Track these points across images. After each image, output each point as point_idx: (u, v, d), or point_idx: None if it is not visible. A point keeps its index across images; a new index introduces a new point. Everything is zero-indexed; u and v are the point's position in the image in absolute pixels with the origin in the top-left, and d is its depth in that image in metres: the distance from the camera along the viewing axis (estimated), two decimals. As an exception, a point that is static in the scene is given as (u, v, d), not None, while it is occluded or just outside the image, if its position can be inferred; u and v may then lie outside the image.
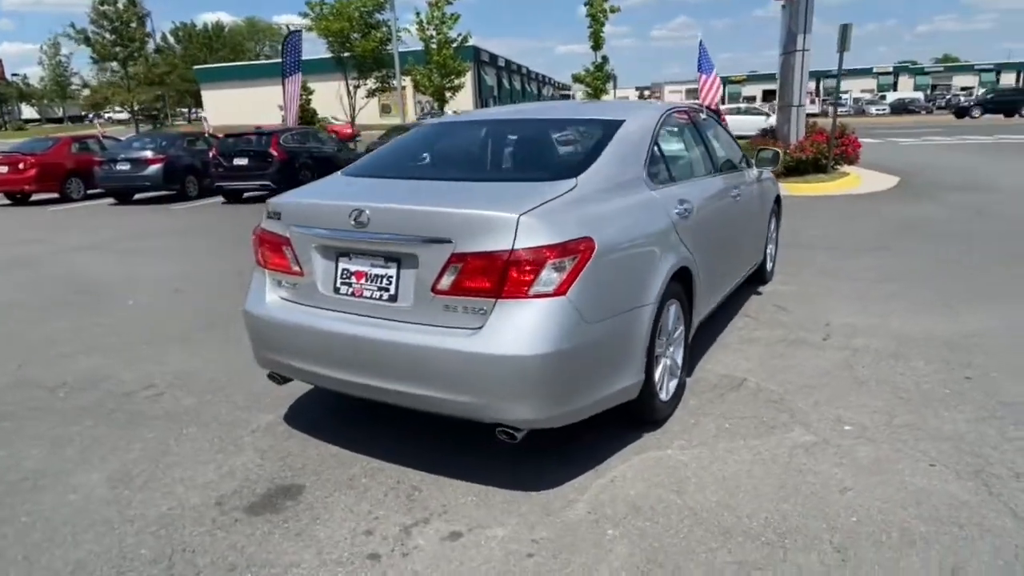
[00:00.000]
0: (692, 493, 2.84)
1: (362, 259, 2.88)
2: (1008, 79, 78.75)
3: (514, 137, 3.81)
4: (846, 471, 2.98)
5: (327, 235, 2.91)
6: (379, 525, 2.69)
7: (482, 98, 50.22)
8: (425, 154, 3.81)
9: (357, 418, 3.64)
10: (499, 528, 2.65)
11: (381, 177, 3.48)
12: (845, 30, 11.71)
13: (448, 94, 24.15)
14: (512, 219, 2.56)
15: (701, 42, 15.36)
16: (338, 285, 2.95)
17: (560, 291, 2.56)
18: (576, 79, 29.85)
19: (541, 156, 3.56)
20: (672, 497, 2.81)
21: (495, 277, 2.56)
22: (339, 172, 3.67)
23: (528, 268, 2.53)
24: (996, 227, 8.56)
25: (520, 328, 2.54)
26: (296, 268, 3.05)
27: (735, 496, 2.81)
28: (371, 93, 25.70)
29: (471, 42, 23.62)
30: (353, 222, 2.79)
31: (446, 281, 2.64)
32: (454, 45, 23.00)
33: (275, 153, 13.71)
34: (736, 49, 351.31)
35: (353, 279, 2.91)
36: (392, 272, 2.80)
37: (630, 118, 3.57)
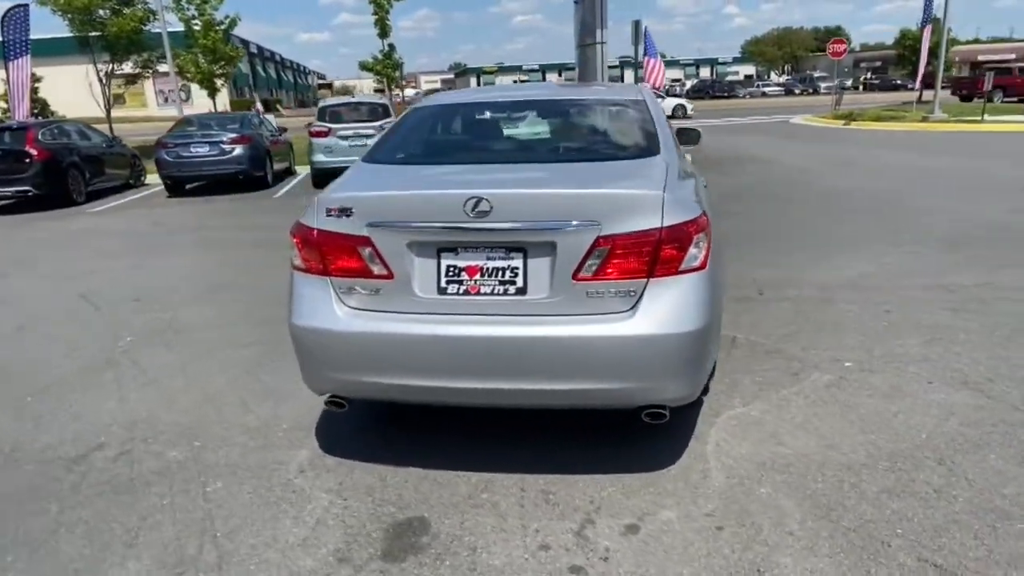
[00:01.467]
0: (792, 443, 3.06)
1: (474, 253, 2.58)
2: (704, 72, 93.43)
3: (555, 119, 3.65)
4: (879, 399, 3.43)
5: (429, 229, 2.56)
6: (548, 537, 2.49)
7: (237, 87, 45.95)
8: (464, 137, 3.48)
9: (398, 431, 3.26)
10: (666, 511, 2.61)
11: (442, 163, 3.17)
12: (637, 25, 12.96)
13: (219, 82, 21.57)
14: (659, 196, 2.50)
15: (646, 28, 15.36)
16: (443, 285, 2.61)
17: (702, 265, 2.57)
18: (364, 67, 28.76)
19: (601, 135, 3.45)
20: (780, 449, 3.01)
21: (646, 257, 2.48)
22: (362, 161, 3.21)
23: (677, 245, 2.50)
24: (803, 193, 10.23)
25: (675, 306, 2.51)
26: (380, 271, 2.63)
27: (825, 437, 3.09)
28: (129, 80, 21.93)
29: (240, 26, 21.43)
30: (471, 212, 2.49)
31: (591, 266, 2.50)
32: (221, 27, 20.58)
33: (33, 151, 11.23)
34: (479, 42, 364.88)
35: (464, 276, 2.60)
36: (517, 264, 2.56)
37: (644, 96, 3.65)
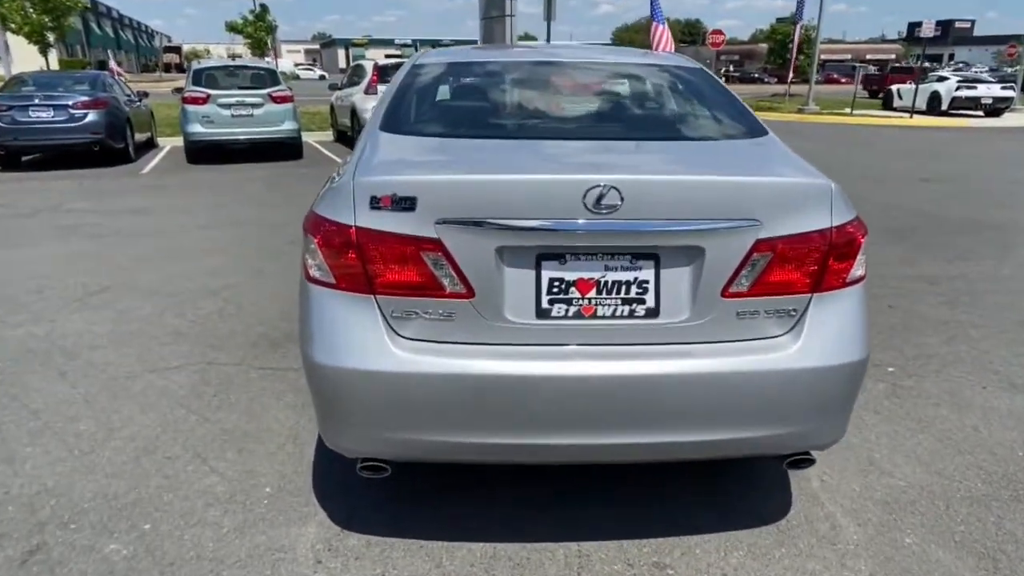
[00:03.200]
0: (897, 471, 2.66)
1: (588, 261, 1.89)
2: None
3: (613, 88, 2.93)
4: (948, 410, 3.15)
5: (530, 231, 1.84)
6: (698, 636, 1.89)
7: (68, 46, 39.99)
8: (518, 105, 2.69)
9: (430, 485, 2.51)
10: (814, 562, 2.10)
11: (516, 137, 2.42)
12: (550, 1, 12.43)
13: (51, 37, 18.26)
14: (827, 188, 1.94)
15: None
16: (545, 305, 1.90)
17: (863, 276, 2.06)
18: (233, 28, 25.75)
19: (691, 109, 2.77)
20: (892, 481, 2.60)
21: (813, 266, 1.92)
22: (383, 131, 2.36)
23: (847, 250, 1.96)
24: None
25: (842, 327, 1.98)
26: (454, 287, 1.87)
27: (926, 462, 2.73)
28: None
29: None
30: (592, 206, 1.80)
31: (746, 278, 1.90)
32: (55, -29, 17.44)
33: None
34: (344, 12, 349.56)
35: (574, 292, 1.90)
36: (647, 275, 1.91)
37: (701, 64, 3.08)
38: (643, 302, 1.92)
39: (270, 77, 11.89)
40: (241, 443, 2.84)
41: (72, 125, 10.59)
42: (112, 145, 10.94)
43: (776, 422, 1.96)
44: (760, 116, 2.58)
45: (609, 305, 1.91)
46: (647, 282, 1.91)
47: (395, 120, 2.45)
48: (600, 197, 1.80)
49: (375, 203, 1.87)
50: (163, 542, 2.26)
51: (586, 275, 1.90)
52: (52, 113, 10.56)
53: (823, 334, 1.95)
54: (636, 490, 2.51)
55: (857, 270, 2.01)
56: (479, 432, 1.93)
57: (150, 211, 7.58)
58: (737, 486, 2.54)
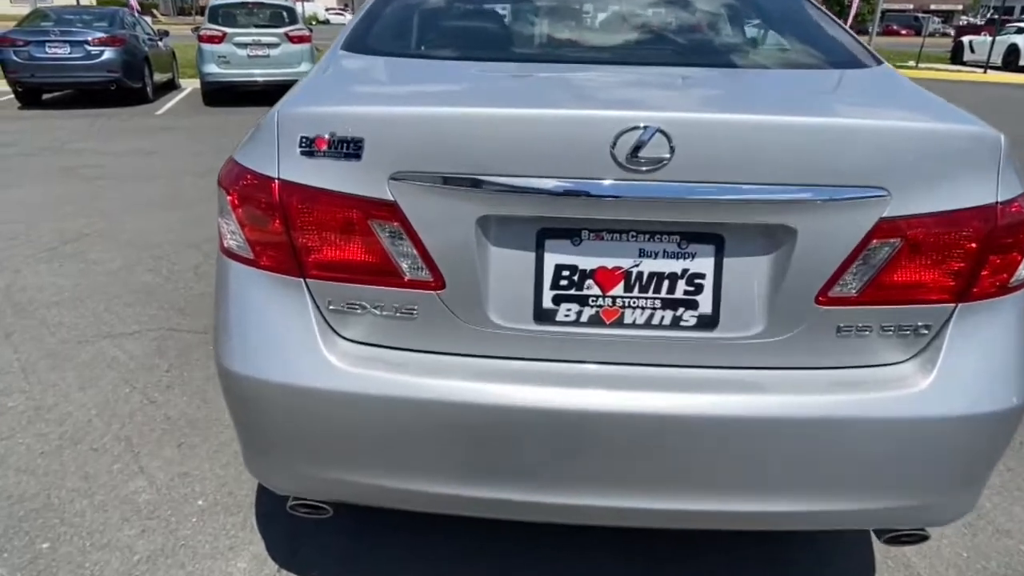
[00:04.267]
0: (1013, 527, 2.04)
1: (615, 243, 1.28)
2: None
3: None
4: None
5: (530, 193, 1.23)
6: None
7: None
8: (526, 17, 2.05)
9: (406, 527, 1.97)
10: None
11: (519, 59, 1.77)
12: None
13: None
14: (996, 142, 1.28)
15: None
16: (548, 304, 1.31)
17: None
18: None
19: (762, 25, 2.09)
20: (1009, 543, 1.98)
21: (963, 261, 1.28)
22: (345, 50, 1.75)
23: (1016, 239, 1.31)
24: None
25: (999, 354, 1.34)
26: (415, 272, 1.29)
27: (1046, 514, 2.10)
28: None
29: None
30: (626, 159, 1.18)
31: (856, 277, 1.27)
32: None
33: None
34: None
35: (593, 286, 1.30)
36: (703, 266, 1.29)
37: None
38: (694, 306, 1.30)
39: (288, 15, 11.20)
40: (183, 435, 2.34)
41: (88, 62, 10.13)
42: (129, 84, 10.46)
43: (885, 491, 1.34)
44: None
45: (643, 308, 1.31)
46: (702, 276, 1.30)
47: (362, 37, 1.82)
48: (639, 146, 1.18)
49: (306, 146, 1.28)
50: (58, 570, 1.78)
51: (611, 262, 1.30)
52: (69, 49, 10.11)
53: (968, 364, 1.31)
54: (668, 544, 1.94)
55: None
56: (448, 481, 1.36)
57: (155, 153, 7.10)
58: (803, 554, 1.95)
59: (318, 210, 1.29)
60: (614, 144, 1.19)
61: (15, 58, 9.99)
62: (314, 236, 1.31)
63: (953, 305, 1.31)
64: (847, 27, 1.99)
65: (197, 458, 2.22)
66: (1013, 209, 1.28)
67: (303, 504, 1.52)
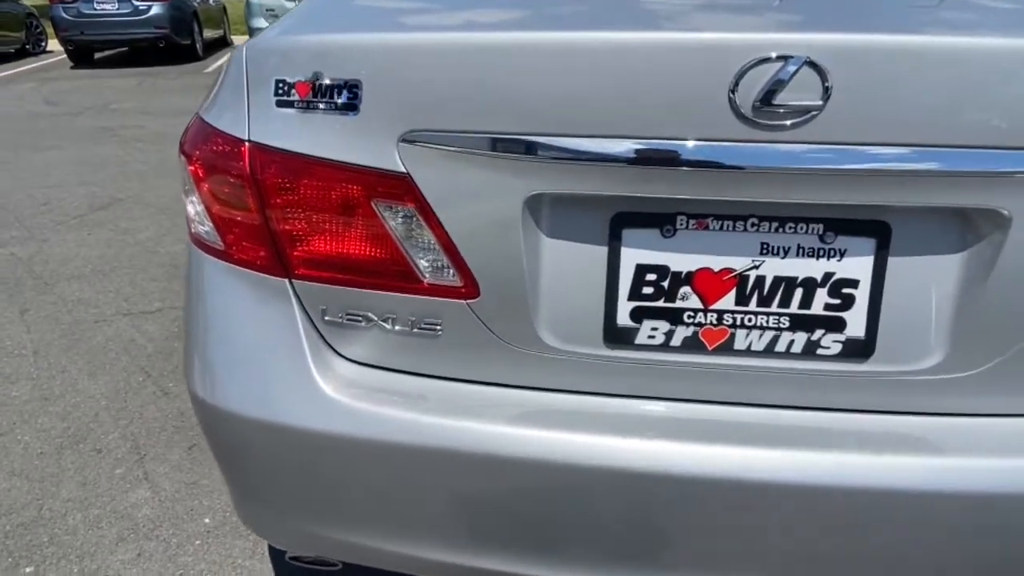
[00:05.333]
0: None
1: (725, 233, 0.89)
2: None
3: None
4: None
5: (602, 158, 0.84)
6: None
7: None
8: None
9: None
10: None
11: None
12: None
13: None
14: None
15: None
16: (625, 320, 0.92)
17: None
18: None
19: None
20: None
21: None
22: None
23: None
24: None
25: None
26: (439, 274, 0.93)
27: None
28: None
29: None
30: (757, 105, 0.77)
31: None
32: None
33: None
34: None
35: (691, 295, 0.91)
36: (855, 268, 0.88)
37: None
38: (840, 326, 0.89)
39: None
40: (196, 436, 2.07)
41: (136, 19, 9.99)
42: (177, 41, 10.30)
43: None
44: None
45: (764, 329, 0.90)
46: (854, 284, 0.88)
47: None
48: (774, 87, 0.77)
49: (284, 93, 0.91)
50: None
51: (718, 262, 0.89)
52: (116, 5, 9.97)
53: None
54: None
55: None
56: (483, 554, 1.01)
57: (199, 113, 6.90)
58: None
59: (304, 185, 0.92)
60: (735, 85, 0.77)
61: (64, 15, 9.94)
62: (300, 221, 0.94)
63: None
64: None
65: (208, 465, 1.95)
66: None
67: (309, 560, 1.20)
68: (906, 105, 0.78)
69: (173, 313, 2.82)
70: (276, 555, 1.66)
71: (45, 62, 11.17)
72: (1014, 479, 0.86)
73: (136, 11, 9.95)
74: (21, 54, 11.80)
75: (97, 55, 10.92)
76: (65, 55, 10.74)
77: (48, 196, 4.32)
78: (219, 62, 10.74)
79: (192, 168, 1.01)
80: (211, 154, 0.98)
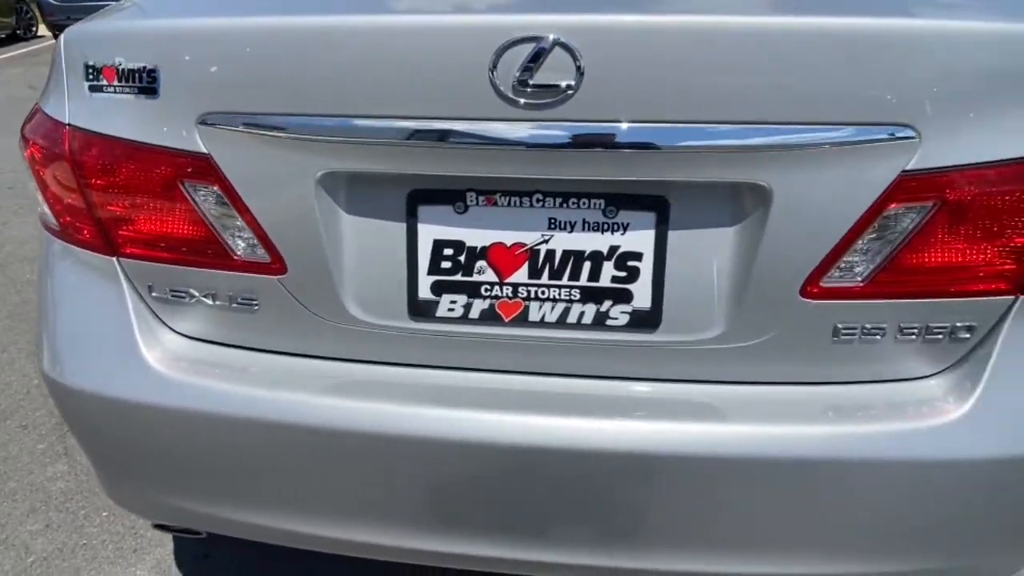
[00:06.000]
0: None
1: (516, 209, 0.92)
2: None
3: None
4: None
5: (390, 137, 0.87)
6: None
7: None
8: None
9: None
10: None
11: None
12: None
13: None
14: None
15: None
16: (426, 294, 0.96)
17: None
18: None
19: None
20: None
21: None
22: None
23: None
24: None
25: None
26: (249, 251, 0.97)
27: None
28: None
29: None
30: (516, 84, 0.80)
31: (866, 256, 0.86)
32: None
33: None
34: None
35: (486, 269, 0.94)
36: (638, 242, 0.91)
37: None
38: (627, 297, 0.93)
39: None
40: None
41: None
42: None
43: (908, 553, 0.97)
44: None
45: (555, 300, 0.94)
46: (638, 256, 0.91)
47: None
48: (528, 66, 0.80)
49: (94, 78, 0.94)
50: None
51: (510, 237, 0.92)
52: (101, -12, 9.94)
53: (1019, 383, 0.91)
54: None
55: None
56: (310, 517, 1.06)
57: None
58: None
59: (118, 166, 0.96)
60: (494, 65, 0.80)
61: (51, 0, 9.92)
62: (119, 202, 0.98)
63: (1012, 298, 0.89)
64: None
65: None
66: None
67: (169, 528, 1.26)
68: (659, 83, 0.81)
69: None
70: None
71: (35, 47, 11.17)
72: (791, 444, 0.89)
73: (121, -6, 9.93)
74: (12, 39, 11.81)
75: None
76: (53, 40, 10.74)
77: (14, 180, 4.36)
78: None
79: (28, 152, 1.05)
80: (40, 137, 1.02)
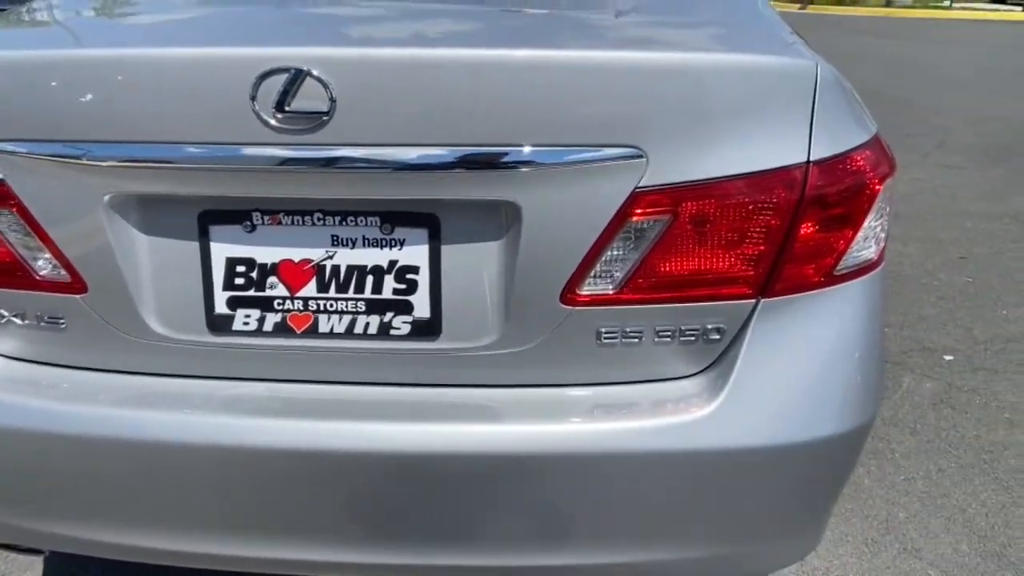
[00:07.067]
0: (947, 552, 1.71)
1: (301, 228, 0.97)
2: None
3: None
4: None
5: (170, 163, 0.91)
6: None
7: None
8: None
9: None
10: None
11: None
12: None
13: None
14: (808, 73, 0.92)
15: None
16: (222, 309, 1.00)
17: (878, 260, 1.06)
18: None
19: None
20: (923, 567, 1.66)
21: (763, 242, 0.94)
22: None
23: (843, 209, 0.96)
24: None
25: (820, 365, 1.00)
26: (52, 271, 1.00)
27: (1009, 527, 1.76)
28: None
29: None
30: (274, 111, 0.86)
31: (615, 266, 0.93)
32: None
33: None
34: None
35: (278, 285, 0.99)
36: (414, 256, 0.96)
37: None
38: (408, 308, 0.98)
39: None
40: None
41: None
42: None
43: (674, 541, 1.04)
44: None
45: (342, 313, 0.99)
46: (415, 270, 0.97)
47: None
48: (285, 96, 0.86)
49: None
50: None
51: (297, 254, 0.98)
52: None
53: (773, 380, 0.98)
54: None
55: (863, 248, 1.01)
56: (121, 527, 1.08)
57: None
58: None
59: (-77, 193, 1.00)
60: (254, 94, 0.87)
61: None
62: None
63: (755, 300, 0.97)
64: None
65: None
66: (836, 168, 0.93)
67: (9, 546, 1.27)
68: (408, 109, 0.87)
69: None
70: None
71: None
72: (561, 441, 0.96)
73: None
74: None
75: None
76: None
77: None
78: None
79: None
80: None
